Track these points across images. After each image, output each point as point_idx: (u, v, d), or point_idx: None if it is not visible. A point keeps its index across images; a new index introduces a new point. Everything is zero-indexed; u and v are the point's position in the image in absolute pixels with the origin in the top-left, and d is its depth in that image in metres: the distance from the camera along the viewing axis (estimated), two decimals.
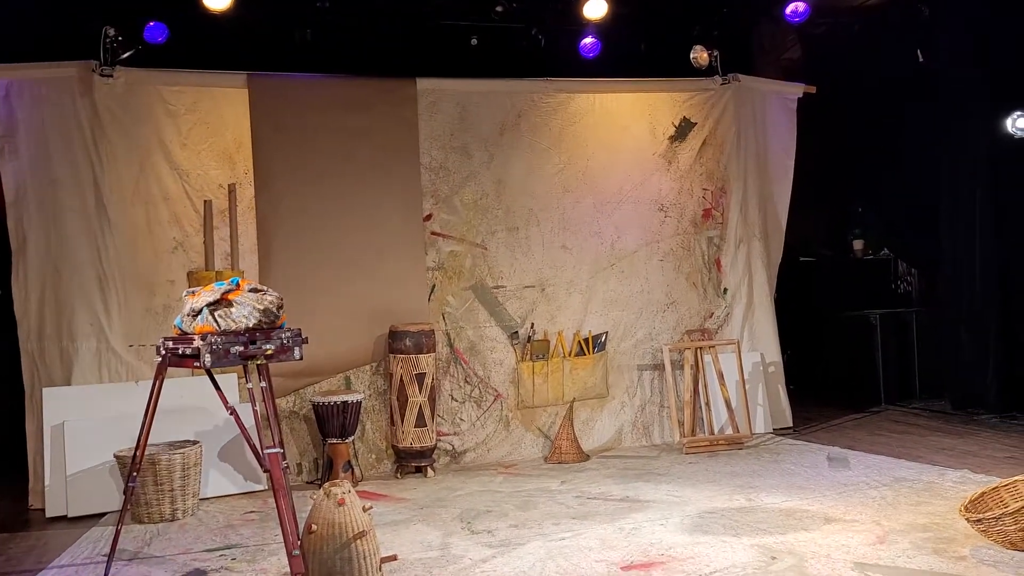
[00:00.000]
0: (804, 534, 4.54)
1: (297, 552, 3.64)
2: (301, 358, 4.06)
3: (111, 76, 5.87)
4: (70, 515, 5.50)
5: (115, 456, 5.40)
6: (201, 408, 5.91)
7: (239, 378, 6.14)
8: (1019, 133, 7.37)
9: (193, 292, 4.13)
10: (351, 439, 6.14)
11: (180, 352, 3.96)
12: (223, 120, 6.21)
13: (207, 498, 5.74)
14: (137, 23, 5.89)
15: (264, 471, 3.76)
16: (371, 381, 6.53)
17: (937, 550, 4.19)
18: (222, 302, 3.98)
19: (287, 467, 3.81)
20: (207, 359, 3.79)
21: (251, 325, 3.95)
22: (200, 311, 3.96)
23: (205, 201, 6.13)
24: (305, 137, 6.37)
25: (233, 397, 6.02)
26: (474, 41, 7.04)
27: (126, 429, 5.64)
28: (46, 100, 5.75)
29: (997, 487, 4.48)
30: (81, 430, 5.62)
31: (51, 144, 5.77)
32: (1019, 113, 7.34)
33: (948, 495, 5.12)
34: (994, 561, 4.01)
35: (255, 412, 3.82)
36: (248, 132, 6.24)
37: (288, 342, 3.99)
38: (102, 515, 5.51)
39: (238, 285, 4.06)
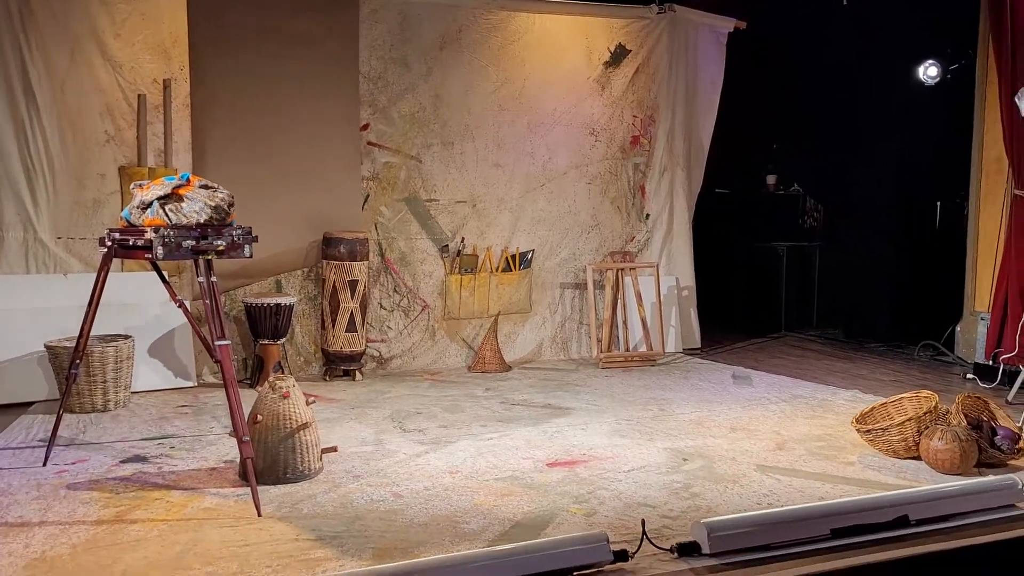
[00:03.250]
0: (712, 440, 4.95)
1: (247, 438, 3.81)
2: (251, 256, 4.17)
3: None
4: None
5: (46, 346, 5.40)
6: (130, 304, 5.92)
7: (169, 276, 6.15)
8: (928, 81, 7.82)
9: (142, 185, 4.15)
10: (282, 341, 6.27)
11: (130, 244, 4.00)
12: (159, 12, 6.05)
13: (137, 392, 5.80)
14: None
15: (216, 362, 3.88)
16: (302, 286, 6.62)
17: (829, 456, 4.66)
18: (173, 196, 4.03)
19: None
20: (159, 251, 3.86)
21: (202, 221, 4.01)
22: (150, 204, 4.01)
23: (139, 95, 6.02)
24: (244, 36, 6.27)
25: (164, 294, 6.04)
26: None
27: (53, 321, 5.66)
28: None
29: (885, 403, 4.97)
30: (8, 319, 5.59)
31: None
32: (930, 62, 7.78)
33: (840, 411, 5.62)
34: (878, 467, 4.49)
35: (207, 306, 3.92)
36: (185, 27, 6.10)
37: (239, 239, 4.08)
38: (29, 404, 5.54)
39: (188, 181, 4.11)
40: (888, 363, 7.35)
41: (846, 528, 3.50)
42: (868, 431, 4.67)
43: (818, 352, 7.89)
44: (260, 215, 6.14)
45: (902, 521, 3.59)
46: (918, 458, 4.51)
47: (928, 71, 7.78)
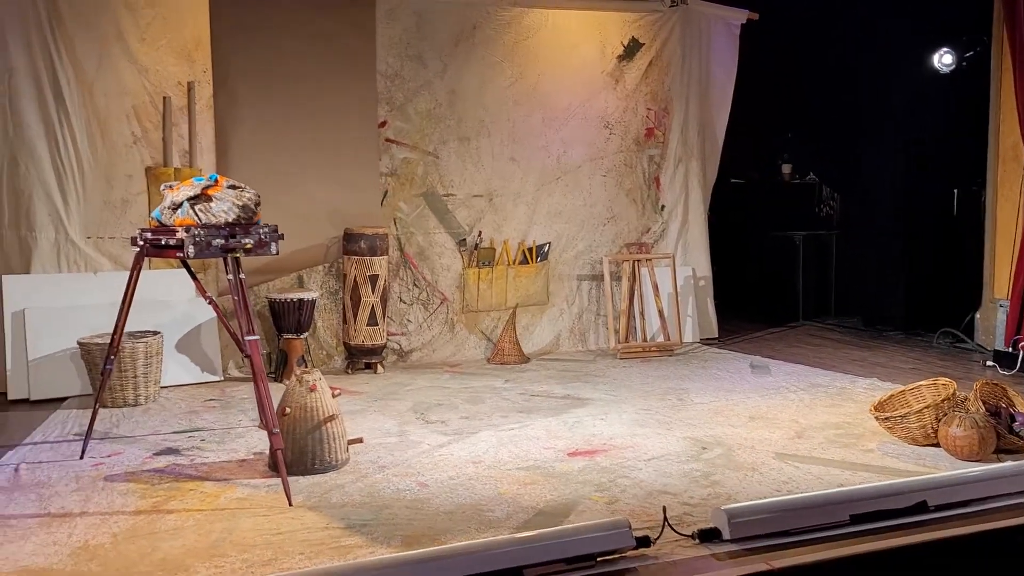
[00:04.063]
0: (731, 429, 5.02)
1: (277, 430, 3.92)
2: (278, 253, 4.28)
3: None
4: (32, 398, 5.66)
5: (79, 343, 5.54)
6: (158, 301, 6.05)
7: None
8: (943, 69, 7.84)
9: (172, 186, 4.27)
10: (305, 335, 6.39)
11: (162, 243, 4.11)
12: (182, 16, 6.17)
13: (166, 387, 5.93)
14: None
15: (245, 356, 3.99)
16: (323, 281, 6.73)
17: (848, 444, 4.72)
18: (202, 197, 4.14)
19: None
20: (191, 250, 3.97)
21: (230, 220, 4.12)
22: (180, 204, 4.12)
23: (164, 97, 6.14)
24: (264, 38, 6.38)
25: (190, 291, 6.17)
26: None
27: (85, 318, 5.81)
28: None
29: (903, 391, 5.02)
30: (42, 317, 5.74)
31: (8, 33, 5.69)
32: (945, 50, 7.79)
33: (859, 399, 5.67)
34: (897, 454, 4.55)
35: (235, 302, 4.03)
36: (207, 30, 6.22)
37: (266, 237, 4.19)
38: (63, 399, 5.69)
39: (216, 181, 4.22)
40: (907, 351, 7.38)
41: (865, 514, 3.56)
42: (887, 419, 4.72)
43: (836, 341, 7.94)
44: (282, 212, 6.25)
45: (921, 507, 3.65)
46: (937, 445, 4.56)
47: (943, 59, 7.80)
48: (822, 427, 5.05)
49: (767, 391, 5.96)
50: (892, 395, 5.04)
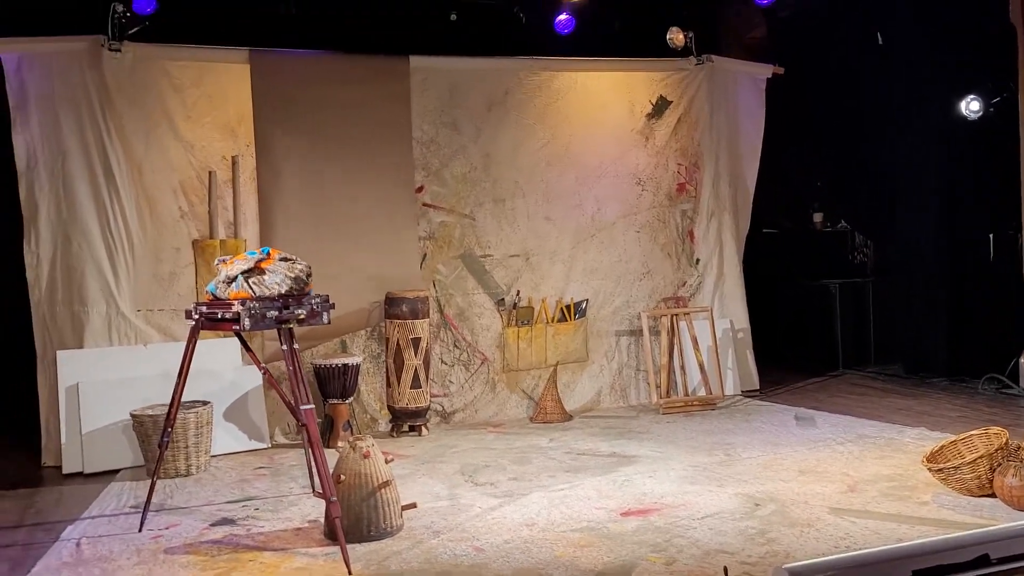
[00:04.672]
0: (782, 484, 4.99)
1: (334, 498, 3.96)
2: (329, 322, 4.37)
3: (119, 51, 6.05)
4: (86, 471, 5.74)
5: (131, 415, 5.64)
6: (206, 371, 6.14)
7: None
8: (971, 116, 7.88)
9: (225, 260, 4.39)
10: (350, 400, 6.45)
11: (218, 316, 4.22)
12: (225, 94, 6.41)
13: (215, 455, 6.00)
14: None
15: (301, 425, 4.06)
16: (365, 345, 6.82)
17: (902, 497, 4.68)
18: (255, 270, 4.26)
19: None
20: (246, 322, 4.07)
21: (283, 291, 4.23)
22: (235, 278, 4.23)
23: (209, 172, 6.35)
24: (304, 111, 6.59)
25: (236, 360, 6.29)
26: (453, 16, 7.28)
27: (136, 390, 5.92)
28: (56, 73, 5.91)
29: (955, 441, 4.98)
30: (94, 391, 5.85)
31: (61, 116, 5.94)
32: (972, 97, 7.85)
33: (908, 450, 5.62)
34: (953, 506, 4.50)
35: (289, 371, 4.11)
36: (250, 106, 6.45)
37: (317, 307, 4.28)
38: (116, 471, 5.76)
39: (269, 254, 4.33)
40: (952, 398, 7.30)
41: (928, 569, 3.52)
42: (940, 470, 4.68)
43: (879, 390, 7.87)
44: (325, 278, 6.32)
45: (983, 560, 3.59)
46: (993, 495, 4.51)
47: (970, 106, 7.84)
48: (874, 479, 5.01)
49: (814, 443, 5.93)
50: (943, 445, 5.00)
